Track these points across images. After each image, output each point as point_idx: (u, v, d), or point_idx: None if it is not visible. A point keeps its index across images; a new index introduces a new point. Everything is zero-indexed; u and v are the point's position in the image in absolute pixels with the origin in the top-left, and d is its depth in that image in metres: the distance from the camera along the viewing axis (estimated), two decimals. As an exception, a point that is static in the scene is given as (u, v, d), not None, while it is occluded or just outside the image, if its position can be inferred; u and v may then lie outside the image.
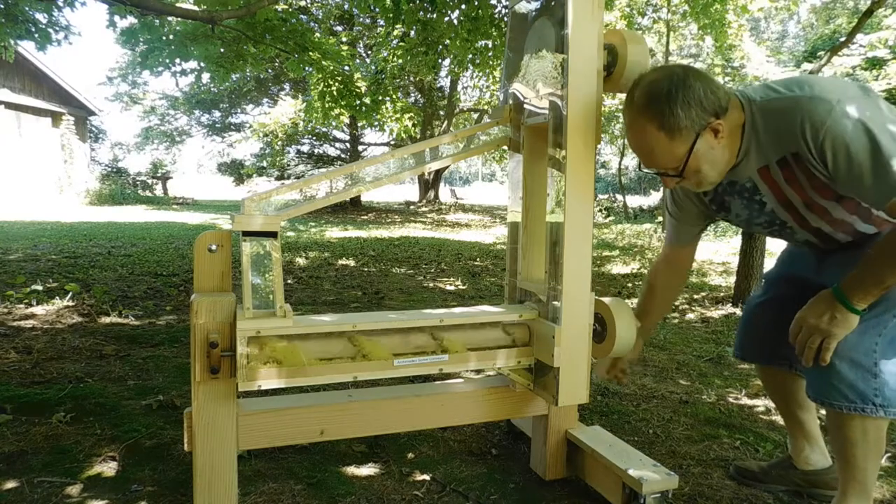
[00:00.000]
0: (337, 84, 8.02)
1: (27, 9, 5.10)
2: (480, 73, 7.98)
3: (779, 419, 2.19)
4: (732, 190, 1.45)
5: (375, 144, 20.21)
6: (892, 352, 1.32)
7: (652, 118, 1.27)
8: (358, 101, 8.49)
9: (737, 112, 1.32)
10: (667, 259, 1.71)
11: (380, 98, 9.23)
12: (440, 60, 7.45)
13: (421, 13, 5.66)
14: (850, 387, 1.31)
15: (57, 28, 5.54)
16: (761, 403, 2.42)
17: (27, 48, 6.42)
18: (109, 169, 21.49)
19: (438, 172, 20.58)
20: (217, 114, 20.79)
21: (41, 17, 5.39)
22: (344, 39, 12.75)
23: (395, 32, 7.35)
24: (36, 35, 5.29)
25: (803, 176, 1.30)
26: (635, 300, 4.73)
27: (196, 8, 5.36)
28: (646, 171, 1.40)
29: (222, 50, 6.36)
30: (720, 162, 1.33)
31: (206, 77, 7.22)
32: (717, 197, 1.50)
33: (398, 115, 10.61)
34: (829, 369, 1.32)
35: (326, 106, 8.36)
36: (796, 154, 1.27)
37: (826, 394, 1.35)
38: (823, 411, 1.45)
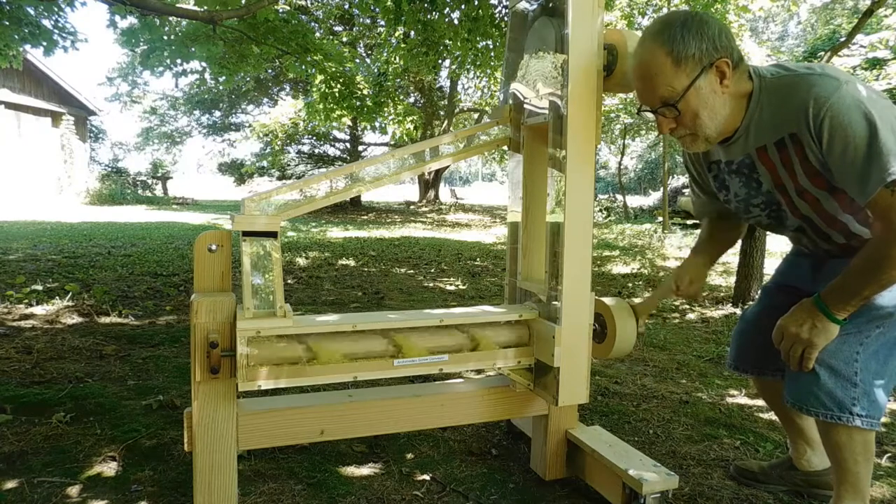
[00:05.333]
0: (339, 86, 8.02)
1: (30, 11, 5.11)
2: (481, 74, 7.98)
3: (778, 420, 2.19)
4: (730, 169, 1.45)
5: (375, 144, 20.24)
6: (875, 363, 1.30)
7: (662, 43, 1.26)
8: (359, 103, 8.50)
9: (747, 79, 1.31)
10: (709, 223, 1.69)
11: (382, 100, 9.24)
12: (440, 61, 7.45)
13: (421, 14, 5.67)
14: (829, 394, 1.30)
15: (64, 34, 5.55)
16: (761, 403, 2.42)
17: (29, 50, 6.42)
18: (109, 169, 21.51)
19: (438, 172, 20.59)
20: (217, 114, 20.80)
21: (47, 23, 5.39)
22: (344, 39, 12.76)
23: (397, 34, 7.35)
24: (42, 41, 5.29)
25: (797, 159, 1.29)
26: (636, 300, 4.73)
27: (196, 8, 5.36)
28: (644, 110, 1.35)
29: (226, 51, 6.37)
30: (720, 114, 1.31)
31: (209, 77, 7.24)
32: (720, 175, 1.50)
33: (400, 118, 10.63)
34: (809, 375, 1.31)
35: (328, 107, 8.36)
36: (794, 135, 1.26)
37: (804, 400, 1.34)
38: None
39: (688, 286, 1.69)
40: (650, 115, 1.36)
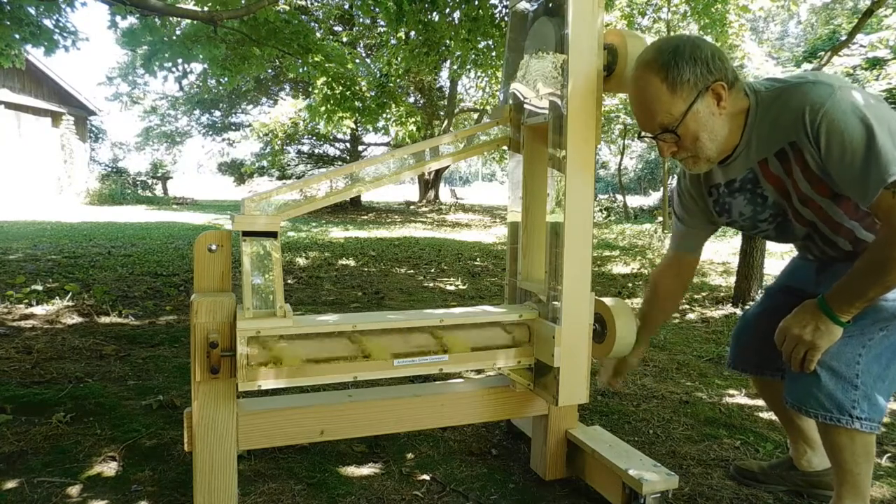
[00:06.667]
0: (340, 87, 8.01)
1: (31, 11, 5.11)
2: (482, 74, 7.99)
3: (778, 420, 2.19)
4: (732, 189, 1.45)
5: (375, 144, 20.24)
6: (877, 366, 1.30)
7: (657, 71, 1.27)
8: (361, 105, 8.49)
9: (742, 97, 1.32)
10: (670, 265, 1.67)
11: (384, 101, 9.24)
12: (441, 61, 7.45)
13: (422, 14, 5.67)
14: (829, 396, 1.30)
15: (66, 34, 5.56)
16: (761, 403, 2.41)
17: (30, 50, 6.43)
18: (109, 169, 21.51)
19: (438, 172, 20.60)
20: (217, 114, 20.80)
21: (48, 23, 5.40)
22: (344, 39, 12.76)
23: (400, 35, 7.34)
24: (43, 41, 5.30)
25: (798, 168, 1.29)
26: (636, 300, 4.74)
27: (196, 8, 5.37)
28: (644, 136, 1.37)
29: (229, 53, 6.37)
30: (719, 135, 1.32)
31: (211, 81, 7.27)
32: (720, 199, 1.50)
33: (402, 119, 10.63)
34: (810, 377, 1.31)
35: (330, 109, 8.35)
36: (793, 144, 1.27)
37: (804, 401, 1.33)
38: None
39: (610, 378, 1.70)
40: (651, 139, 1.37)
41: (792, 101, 1.25)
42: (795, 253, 1.65)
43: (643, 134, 1.36)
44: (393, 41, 8.00)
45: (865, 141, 1.16)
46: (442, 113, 18.44)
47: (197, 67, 6.82)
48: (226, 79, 6.79)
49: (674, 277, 1.67)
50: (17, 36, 5.15)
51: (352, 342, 1.43)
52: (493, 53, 6.35)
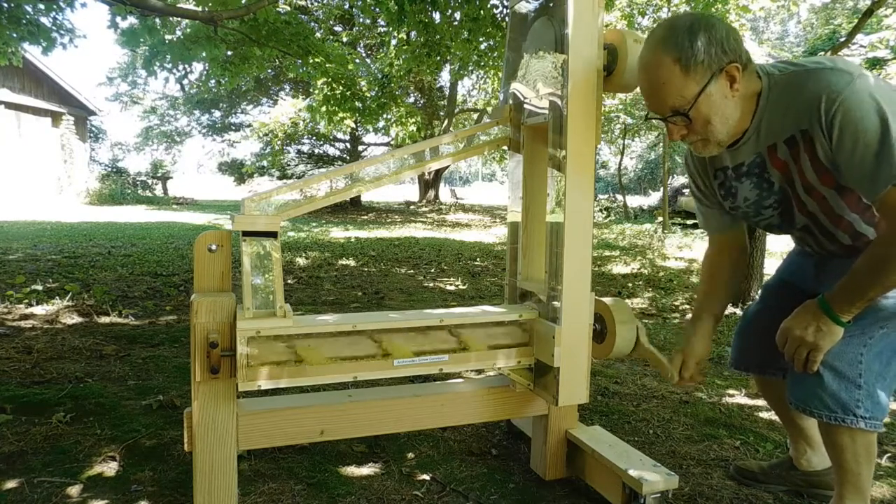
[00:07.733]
0: (341, 88, 8.01)
1: (30, 10, 5.11)
2: (485, 75, 7.99)
3: (779, 419, 2.19)
4: (739, 173, 1.41)
5: (375, 144, 20.24)
6: (879, 364, 1.30)
7: (670, 50, 1.22)
8: (361, 105, 8.49)
9: (755, 79, 1.29)
10: (715, 248, 1.62)
11: (384, 102, 9.24)
12: (443, 62, 7.45)
13: (422, 14, 5.67)
14: (833, 396, 1.29)
15: (63, 32, 5.56)
16: (761, 403, 2.42)
17: (27, 48, 6.43)
18: (109, 169, 21.52)
19: (438, 172, 20.60)
20: (217, 114, 20.81)
21: (46, 21, 5.39)
22: (344, 39, 12.77)
23: (400, 36, 7.34)
24: (41, 40, 5.30)
25: (806, 156, 1.27)
26: (636, 300, 4.73)
27: (196, 8, 5.37)
28: (653, 118, 1.32)
29: (229, 53, 6.37)
30: (731, 119, 1.28)
31: (212, 83, 7.28)
32: (727, 182, 1.46)
33: (403, 120, 10.65)
34: (813, 377, 1.31)
35: (330, 109, 8.35)
36: (805, 132, 1.24)
37: (807, 402, 1.33)
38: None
39: (694, 371, 1.55)
40: (660, 122, 1.33)
41: (808, 86, 1.21)
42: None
43: (651, 116, 1.32)
44: (394, 42, 8.00)
45: (880, 135, 1.13)
46: (442, 113, 18.44)
47: (197, 68, 6.83)
48: (226, 79, 6.80)
49: (721, 259, 1.60)
50: (15, 35, 5.15)
51: (352, 342, 1.43)
52: (495, 54, 6.35)
